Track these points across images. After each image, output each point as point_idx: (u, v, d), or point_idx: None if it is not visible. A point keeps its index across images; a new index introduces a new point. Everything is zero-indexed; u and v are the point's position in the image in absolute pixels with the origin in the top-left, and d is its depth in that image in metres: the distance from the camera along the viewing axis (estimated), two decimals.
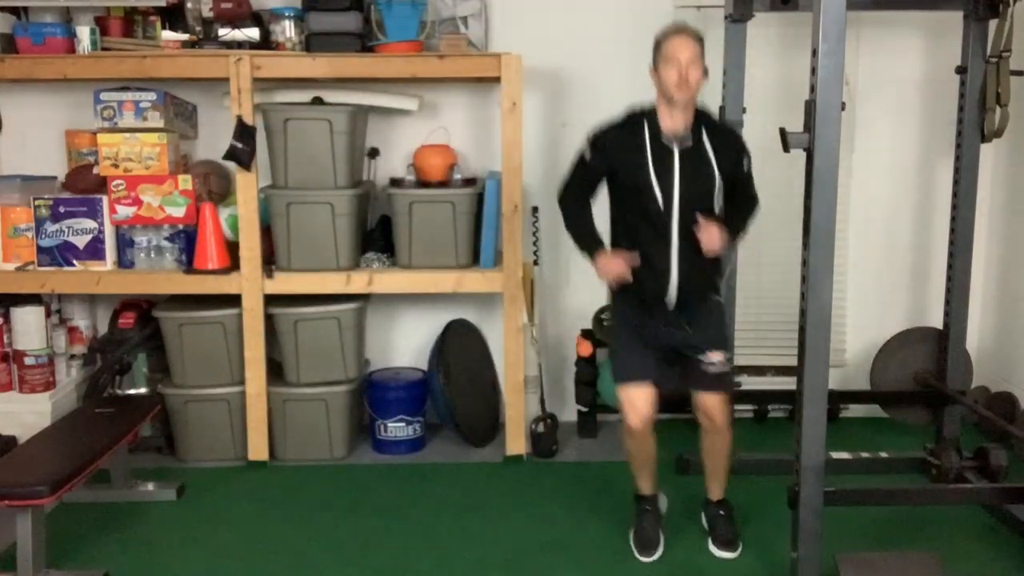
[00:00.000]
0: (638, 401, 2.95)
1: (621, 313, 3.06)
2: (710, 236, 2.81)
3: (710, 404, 3.00)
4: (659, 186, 2.83)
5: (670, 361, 3.04)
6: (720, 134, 2.94)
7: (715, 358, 2.97)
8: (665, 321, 2.95)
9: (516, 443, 3.90)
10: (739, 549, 3.12)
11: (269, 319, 3.85)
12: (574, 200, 3.03)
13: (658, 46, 2.86)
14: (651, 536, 3.10)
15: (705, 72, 2.85)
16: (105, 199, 3.78)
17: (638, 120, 2.90)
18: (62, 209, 3.78)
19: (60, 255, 3.79)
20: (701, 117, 2.92)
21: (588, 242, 2.99)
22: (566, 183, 3.05)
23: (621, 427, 3.07)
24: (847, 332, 4.37)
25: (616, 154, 2.89)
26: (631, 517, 3.19)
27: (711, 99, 3.96)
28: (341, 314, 3.86)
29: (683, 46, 2.80)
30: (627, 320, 3.03)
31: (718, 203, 2.92)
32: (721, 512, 3.19)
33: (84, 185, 3.85)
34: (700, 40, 2.85)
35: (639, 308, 2.98)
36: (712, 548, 3.12)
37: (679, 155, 2.84)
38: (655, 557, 3.06)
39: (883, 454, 3.57)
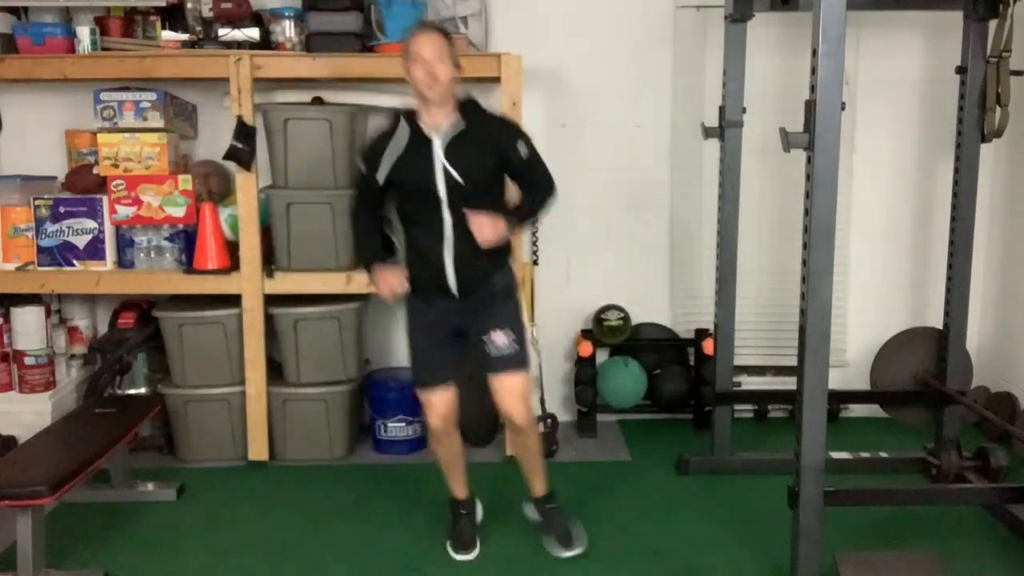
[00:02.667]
0: (437, 403, 3.01)
1: (412, 311, 3.04)
2: (481, 229, 2.80)
3: (504, 389, 2.99)
4: (424, 181, 2.84)
5: (463, 350, 3.04)
6: (487, 122, 2.93)
7: (497, 339, 2.94)
8: (451, 309, 2.95)
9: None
10: (582, 545, 3.10)
11: (269, 319, 3.85)
12: (358, 216, 3.13)
13: (405, 48, 2.84)
14: (468, 538, 3.14)
15: (456, 65, 2.84)
16: (105, 199, 3.78)
17: (398, 122, 2.92)
18: (62, 209, 3.78)
19: (60, 255, 3.79)
20: (465, 108, 2.90)
21: (367, 255, 3.08)
22: (352, 200, 3.16)
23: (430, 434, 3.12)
24: (847, 332, 4.38)
25: (382, 160, 2.90)
26: (448, 520, 3.22)
27: (711, 99, 3.98)
28: (341, 314, 3.86)
29: (426, 43, 2.79)
30: (418, 318, 3.02)
31: (495, 190, 2.93)
32: (551, 506, 3.17)
33: (84, 185, 3.85)
34: (446, 35, 2.85)
35: (427, 302, 2.98)
36: (551, 549, 3.11)
37: (443, 148, 2.83)
38: (472, 555, 3.10)
39: (883, 454, 3.58)
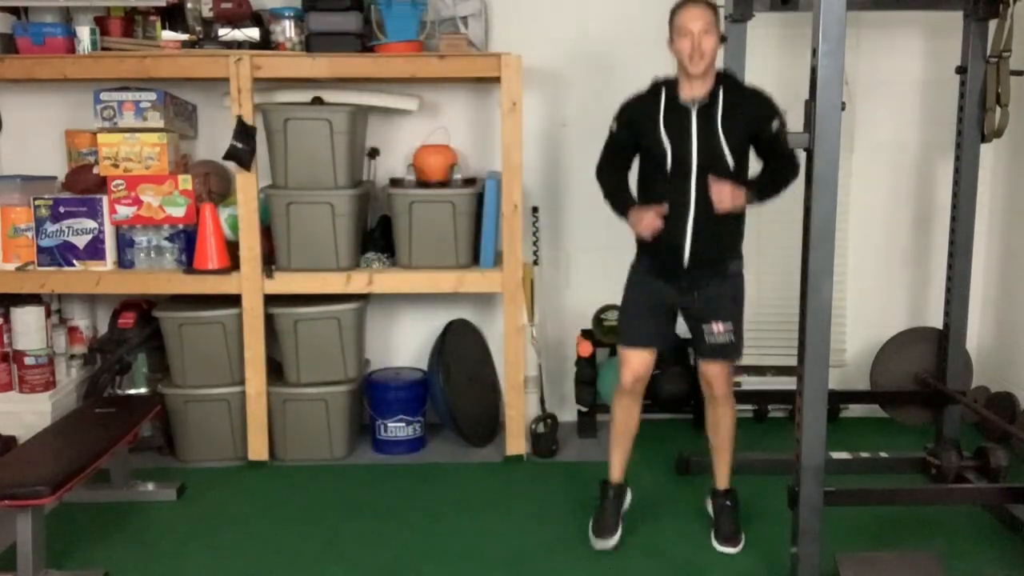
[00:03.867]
0: (635, 362, 3.07)
1: (636, 271, 3.10)
2: (720, 192, 2.83)
3: (710, 373, 3.09)
4: (676, 148, 2.87)
5: (672, 319, 3.11)
6: (744, 95, 2.94)
7: (717, 328, 3.01)
8: (677, 286, 2.99)
9: (516, 443, 3.90)
10: (740, 544, 3.13)
11: (269, 319, 3.84)
12: (606, 172, 3.12)
13: (672, 18, 2.89)
14: (610, 523, 3.15)
15: (723, 38, 2.89)
16: (105, 199, 3.78)
17: (658, 89, 2.97)
18: (62, 209, 3.78)
19: (60, 255, 3.79)
20: (724, 80, 2.93)
21: (620, 202, 3.04)
22: (600, 158, 3.14)
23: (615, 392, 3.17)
24: (847, 332, 4.37)
25: (637, 122, 2.96)
26: (596, 502, 3.24)
27: None
28: (341, 314, 3.86)
29: (695, 16, 2.82)
30: (640, 279, 3.07)
31: (742, 164, 2.93)
32: (727, 504, 3.21)
33: (84, 185, 3.85)
34: (713, 8, 2.87)
35: (654, 269, 3.02)
36: (714, 543, 3.15)
37: (696, 118, 2.87)
38: (610, 545, 3.10)
39: (883, 454, 3.57)
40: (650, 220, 2.89)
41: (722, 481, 3.25)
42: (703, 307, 3.01)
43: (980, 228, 3.76)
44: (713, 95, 2.88)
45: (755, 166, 3.03)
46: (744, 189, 2.88)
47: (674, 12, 2.89)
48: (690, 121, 2.87)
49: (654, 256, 3.01)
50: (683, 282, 2.98)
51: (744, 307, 3.08)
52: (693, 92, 2.89)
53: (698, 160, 2.86)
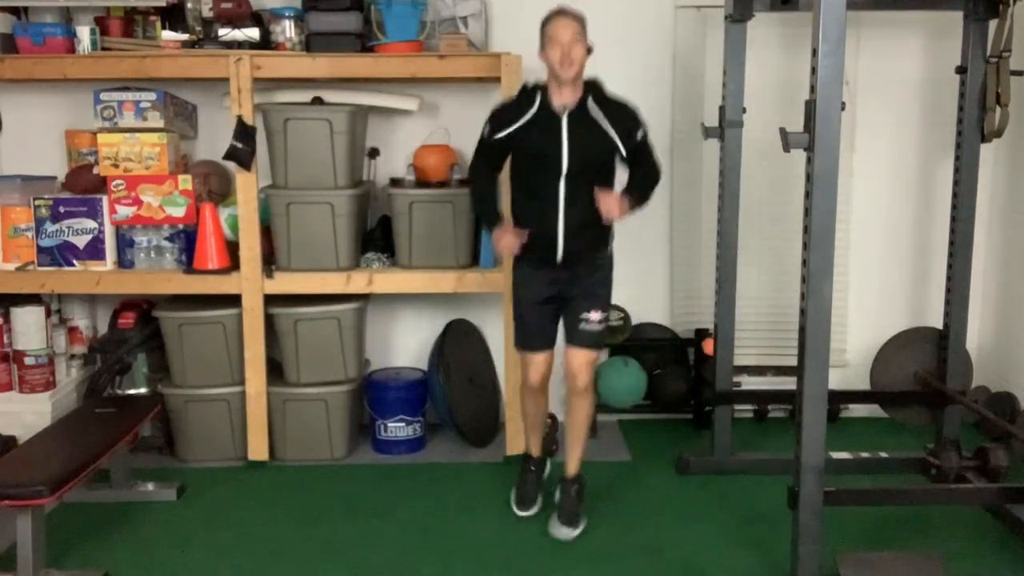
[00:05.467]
0: (538, 363, 3.27)
1: (518, 268, 3.25)
2: (608, 204, 3.01)
3: (577, 362, 3.21)
4: (547, 152, 3.04)
5: (557, 315, 3.26)
6: (610, 105, 3.11)
7: (594, 317, 3.18)
8: (555, 279, 3.16)
9: (516, 443, 3.89)
10: (579, 529, 3.24)
11: (269, 319, 3.84)
12: (477, 175, 3.29)
13: (543, 28, 3.07)
14: (531, 494, 3.40)
15: (589, 49, 3.06)
16: (105, 199, 3.78)
17: (530, 94, 3.13)
18: (62, 209, 3.78)
19: (60, 255, 3.80)
20: (591, 89, 3.11)
21: (487, 214, 3.26)
22: (473, 159, 3.30)
23: (520, 386, 3.40)
24: (847, 332, 4.37)
25: (509, 126, 3.10)
26: (516, 476, 3.48)
27: (711, 99, 3.98)
28: (341, 314, 3.86)
29: (565, 26, 3.02)
30: (523, 278, 3.23)
31: (608, 171, 3.14)
32: (574, 489, 3.34)
33: (84, 185, 3.85)
34: (581, 20, 3.06)
35: (533, 262, 3.17)
36: (552, 527, 3.25)
37: (567, 124, 3.04)
38: (531, 512, 3.36)
39: (883, 454, 3.57)
40: (508, 242, 3.10)
41: (572, 467, 3.37)
42: (580, 295, 3.17)
43: (980, 228, 3.76)
44: (582, 102, 3.06)
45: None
46: (626, 197, 3.07)
47: (545, 23, 3.07)
48: (560, 126, 3.04)
49: (531, 255, 3.15)
50: (560, 274, 3.15)
51: (610, 303, 3.28)
52: (563, 99, 3.06)
53: (568, 164, 3.03)
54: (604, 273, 3.22)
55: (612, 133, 3.06)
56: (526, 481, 3.44)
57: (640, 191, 3.16)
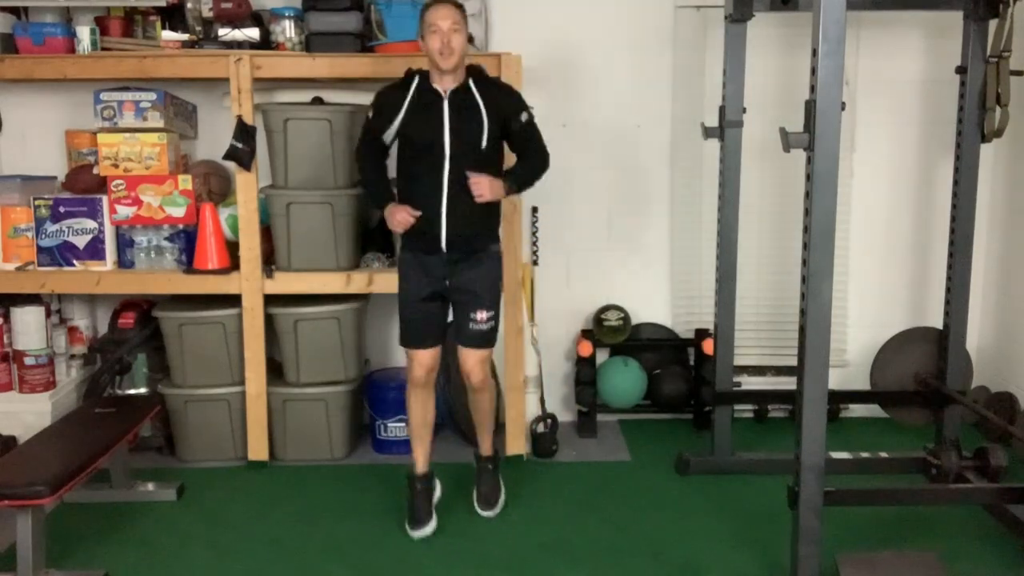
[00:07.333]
0: (424, 358, 3.24)
1: (403, 259, 3.25)
2: (479, 186, 3.04)
3: (470, 363, 3.25)
4: (429, 136, 3.06)
5: (443, 311, 3.27)
6: (493, 89, 3.16)
7: (480, 316, 3.19)
8: (440, 268, 3.16)
9: (516, 443, 3.89)
10: (499, 506, 3.36)
11: (269, 319, 3.84)
12: (364, 158, 3.28)
13: (422, 17, 3.06)
14: (423, 512, 3.26)
15: (470, 39, 3.09)
16: (105, 199, 3.78)
17: (411, 78, 3.13)
18: (62, 209, 3.78)
19: (60, 255, 3.80)
20: (473, 74, 3.14)
21: (379, 193, 3.25)
22: (358, 143, 3.33)
23: (407, 388, 3.33)
24: (847, 332, 4.37)
25: (391, 110, 3.11)
26: (406, 497, 3.33)
27: (711, 99, 3.98)
28: (341, 314, 3.86)
29: (444, 15, 3.00)
30: (408, 268, 3.21)
31: (494, 154, 3.13)
32: (488, 466, 3.43)
33: (84, 185, 3.85)
34: (461, 8, 3.07)
35: (419, 249, 3.17)
36: (476, 507, 3.36)
37: (448, 107, 3.06)
38: (427, 532, 3.22)
39: (883, 454, 3.57)
40: (403, 217, 3.09)
41: (485, 449, 3.46)
42: (467, 292, 3.18)
43: (980, 228, 3.76)
44: (464, 86, 3.09)
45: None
46: (502, 180, 3.11)
47: (424, 11, 3.07)
48: (442, 110, 3.06)
49: (416, 239, 3.15)
50: (445, 262, 3.14)
51: (500, 298, 3.28)
52: (444, 86, 3.08)
53: (451, 147, 3.05)
54: (489, 271, 3.21)
55: (495, 115, 3.08)
56: (417, 499, 3.27)
57: (522, 176, 3.19)
